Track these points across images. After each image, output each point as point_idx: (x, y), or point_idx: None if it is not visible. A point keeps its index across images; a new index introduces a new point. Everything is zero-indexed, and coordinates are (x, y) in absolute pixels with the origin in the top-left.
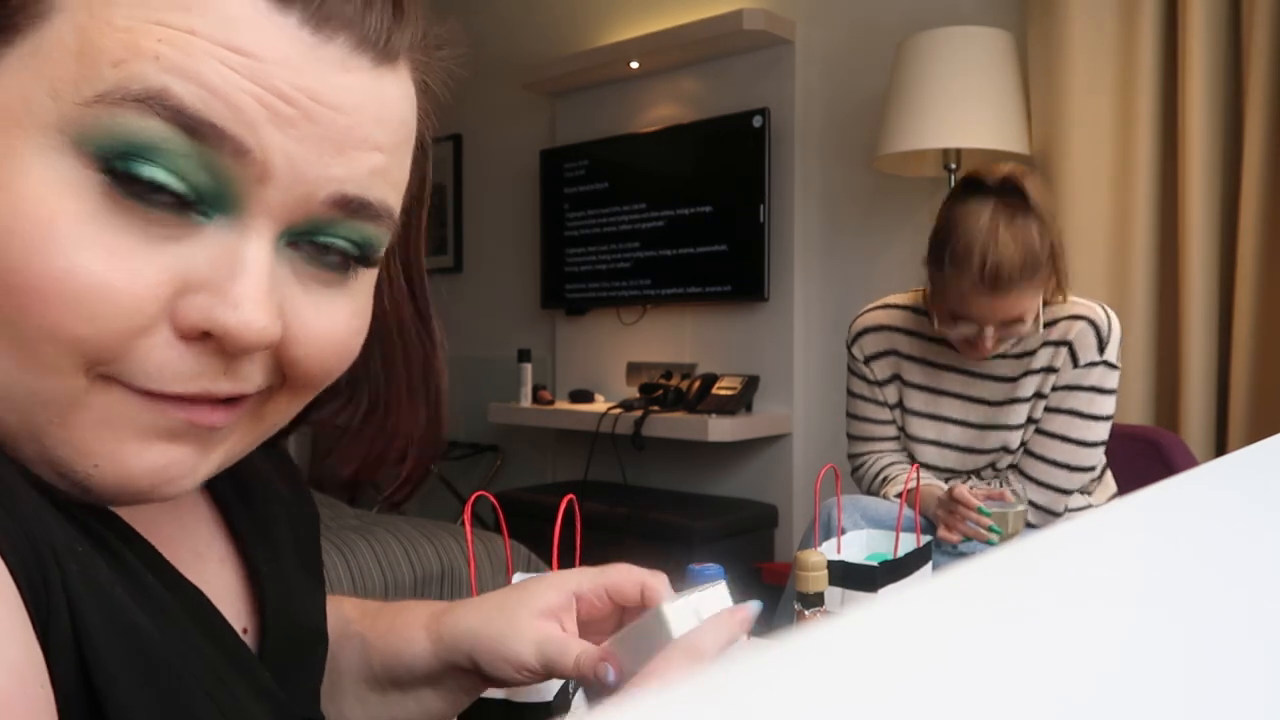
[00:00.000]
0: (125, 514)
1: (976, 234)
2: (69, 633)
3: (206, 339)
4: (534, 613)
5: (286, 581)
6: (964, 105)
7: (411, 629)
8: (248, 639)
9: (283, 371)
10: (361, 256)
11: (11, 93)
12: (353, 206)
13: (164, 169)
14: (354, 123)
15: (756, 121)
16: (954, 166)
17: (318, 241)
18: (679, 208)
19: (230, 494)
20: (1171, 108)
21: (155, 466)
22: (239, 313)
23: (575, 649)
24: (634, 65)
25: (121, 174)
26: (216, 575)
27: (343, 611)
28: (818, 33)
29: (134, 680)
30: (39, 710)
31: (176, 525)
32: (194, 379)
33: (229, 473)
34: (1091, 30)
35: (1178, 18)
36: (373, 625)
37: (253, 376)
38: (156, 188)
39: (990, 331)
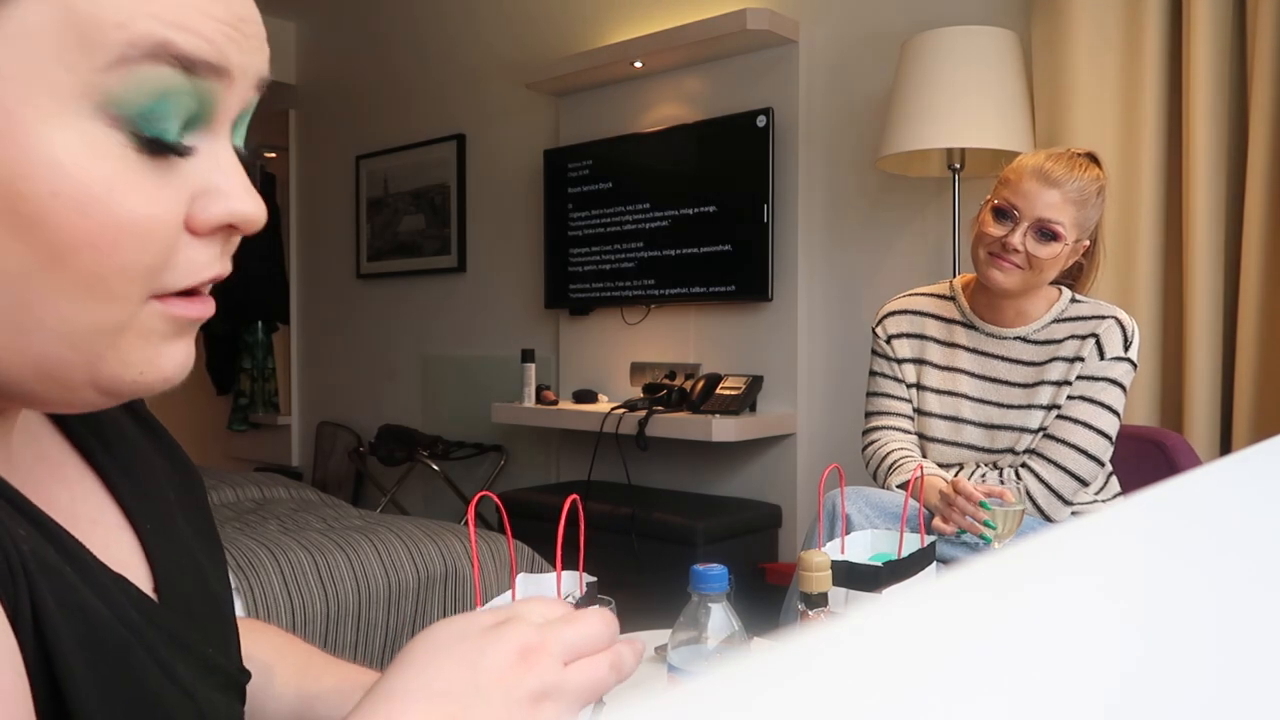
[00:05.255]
0: (24, 490)
1: (1042, 150)
2: (29, 614)
3: (219, 231)
4: None
5: (179, 543)
6: (968, 105)
7: (347, 706)
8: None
9: None
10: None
11: (11, 71)
12: (264, 83)
13: (172, 121)
14: (259, 26)
15: (760, 121)
16: (957, 167)
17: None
18: (683, 208)
19: (109, 465)
20: (1176, 108)
21: (179, 361)
22: (248, 202)
23: None
24: (637, 65)
25: (144, 137)
26: (117, 541)
27: (262, 646)
28: (821, 32)
29: (87, 659)
30: (12, 695)
31: (67, 495)
32: (210, 265)
33: (105, 445)
34: (1096, 30)
35: (1183, 17)
36: (300, 685)
37: (229, 255)
38: (168, 144)
39: (1022, 232)
